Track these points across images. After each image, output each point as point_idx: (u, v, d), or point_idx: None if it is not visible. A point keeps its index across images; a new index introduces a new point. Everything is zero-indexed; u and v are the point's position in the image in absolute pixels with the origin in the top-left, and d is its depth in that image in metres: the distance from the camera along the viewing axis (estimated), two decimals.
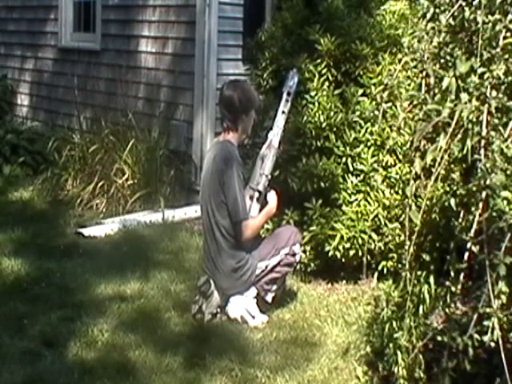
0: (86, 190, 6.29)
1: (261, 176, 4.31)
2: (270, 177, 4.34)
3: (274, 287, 4.32)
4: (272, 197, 4.32)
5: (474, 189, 2.80)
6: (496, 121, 2.82)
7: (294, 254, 4.32)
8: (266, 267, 4.25)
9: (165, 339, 3.94)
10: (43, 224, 5.84)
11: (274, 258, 4.26)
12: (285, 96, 4.47)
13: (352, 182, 4.82)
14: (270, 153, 4.35)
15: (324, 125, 4.79)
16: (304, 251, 4.71)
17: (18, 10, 9.05)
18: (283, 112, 4.45)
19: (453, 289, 2.98)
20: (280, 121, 4.43)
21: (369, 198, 4.78)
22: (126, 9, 7.32)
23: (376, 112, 4.74)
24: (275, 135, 4.40)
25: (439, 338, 3.05)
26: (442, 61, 3.13)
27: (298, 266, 4.66)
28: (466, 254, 2.88)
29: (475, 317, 2.79)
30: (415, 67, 3.31)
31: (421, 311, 3.15)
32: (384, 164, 4.75)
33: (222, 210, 4.17)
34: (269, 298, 4.31)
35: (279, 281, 4.34)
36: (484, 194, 2.76)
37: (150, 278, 4.75)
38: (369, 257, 4.61)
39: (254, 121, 4.36)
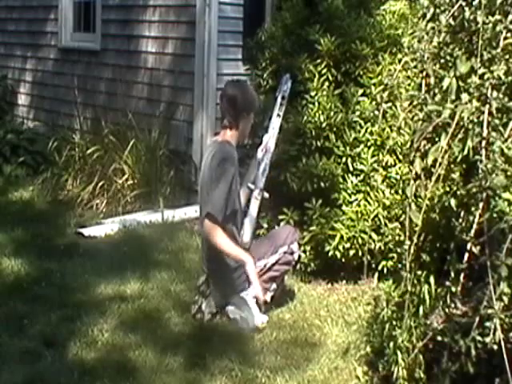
0: (86, 190, 6.28)
1: (257, 176, 4.38)
2: (266, 177, 4.40)
3: (273, 286, 4.32)
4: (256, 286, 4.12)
5: (475, 189, 2.80)
6: (497, 121, 2.82)
7: (292, 253, 4.32)
8: (265, 266, 4.25)
9: (165, 339, 3.93)
10: (43, 224, 5.83)
11: (273, 257, 4.27)
12: (279, 100, 4.59)
13: (352, 182, 4.82)
14: (265, 155, 4.44)
15: (324, 125, 4.79)
16: (304, 251, 4.71)
17: (18, 10, 9.03)
18: (278, 115, 4.55)
19: (453, 289, 2.98)
20: (275, 123, 4.53)
21: (369, 198, 4.78)
22: (126, 9, 7.31)
23: (376, 112, 4.75)
24: (271, 137, 4.49)
25: (439, 338, 3.05)
26: (442, 61, 3.12)
27: (297, 266, 4.67)
28: (466, 255, 2.88)
29: (477, 318, 2.79)
30: (415, 67, 3.30)
31: (421, 311, 3.14)
32: (384, 164, 4.75)
33: None
34: (268, 297, 4.31)
35: (278, 280, 4.35)
36: (484, 194, 2.76)
37: (150, 278, 4.75)
38: (369, 257, 4.61)
39: (252, 124, 4.41)
